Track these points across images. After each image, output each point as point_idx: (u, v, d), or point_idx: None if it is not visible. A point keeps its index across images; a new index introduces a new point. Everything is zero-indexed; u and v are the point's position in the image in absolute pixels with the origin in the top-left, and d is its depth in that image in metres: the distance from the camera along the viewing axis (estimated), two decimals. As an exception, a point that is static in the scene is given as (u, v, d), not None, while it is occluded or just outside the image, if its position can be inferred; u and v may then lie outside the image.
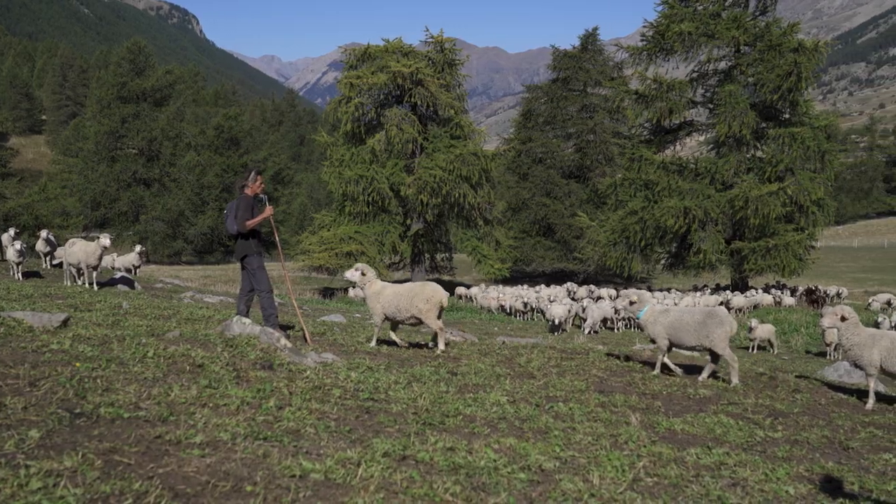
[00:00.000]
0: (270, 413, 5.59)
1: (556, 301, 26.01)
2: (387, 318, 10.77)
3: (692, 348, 10.39)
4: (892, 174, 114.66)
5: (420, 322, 10.65)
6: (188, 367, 6.68)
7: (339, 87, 43.32)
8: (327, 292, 40.89)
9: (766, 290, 35.60)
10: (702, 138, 41.74)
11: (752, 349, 20.32)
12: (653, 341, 10.68)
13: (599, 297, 30.87)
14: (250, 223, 10.10)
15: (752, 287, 37.10)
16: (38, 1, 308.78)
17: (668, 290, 35.74)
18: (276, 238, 11.51)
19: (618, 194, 40.04)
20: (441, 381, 8.17)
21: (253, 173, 10.44)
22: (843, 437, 7.34)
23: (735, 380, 9.89)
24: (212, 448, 4.51)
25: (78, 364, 6.04)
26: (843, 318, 9.43)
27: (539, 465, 5.23)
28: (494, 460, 5.18)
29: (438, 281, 45.24)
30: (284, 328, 11.55)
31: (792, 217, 36.73)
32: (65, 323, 7.76)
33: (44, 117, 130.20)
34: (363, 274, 10.77)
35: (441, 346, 10.68)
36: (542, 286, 37.35)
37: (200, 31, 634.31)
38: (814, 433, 7.39)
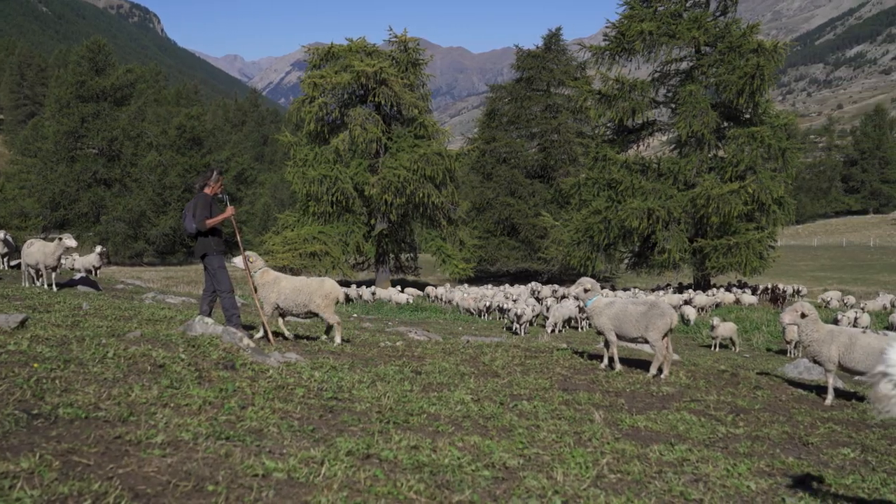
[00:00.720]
0: (233, 413, 5.54)
1: (519, 300, 26.06)
2: (278, 309, 10.79)
3: (634, 339, 10.57)
4: (850, 174, 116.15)
5: (315, 315, 10.80)
6: (149, 368, 6.60)
7: (302, 86, 43.17)
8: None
9: (728, 288, 35.98)
10: (664, 138, 42.05)
11: (715, 347, 20.49)
12: (599, 333, 10.84)
13: (563, 297, 30.94)
14: (210, 222, 9.99)
15: (714, 286, 37.46)
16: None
17: (631, 289, 35.91)
18: (239, 239, 11.40)
19: (581, 194, 40.14)
20: (405, 380, 8.16)
21: (215, 173, 10.37)
22: (803, 432, 7.45)
23: (653, 370, 10.15)
24: (173, 448, 4.46)
25: (36, 365, 5.94)
26: (802, 315, 9.57)
27: (503, 463, 5.24)
28: (458, 458, 5.18)
29: (402, 281, 45.26)
30: (248, 328, 11.47)
31: (753, 216, 37.12)
32: (22, 324, 7.63)
33: (1, 116, 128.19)
34: (252, 261, 10.75)
35: (338, 339, 10.76)
36: (507, 285, 37.42)
37: (162, 30, 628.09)
38: (774, 429, 7.49)
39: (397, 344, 11.35)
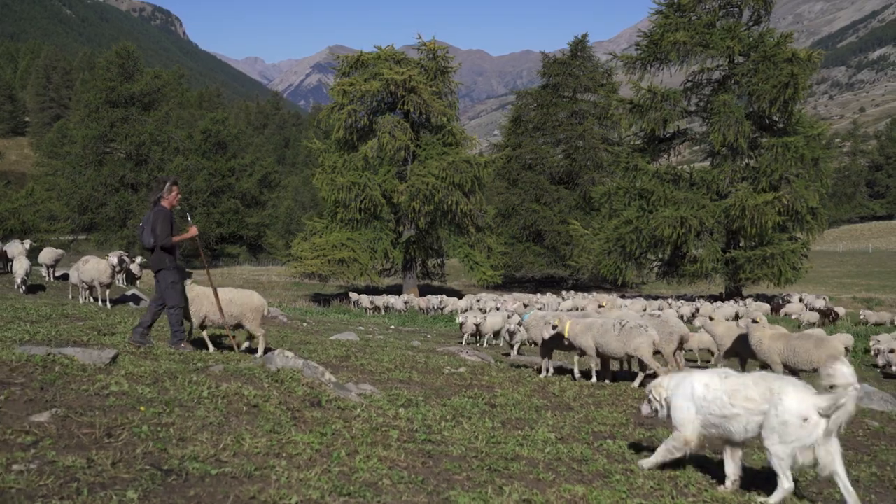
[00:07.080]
0: (343, 463, 5.57)
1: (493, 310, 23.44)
2: (207, 319, 10.65)
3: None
4: (875, 179, 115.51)
5: (241, 327, 10.81)
6: (245, 408, 6.68)
7: (331, 94, 43.55)
8: (318, 298, 40.82)
9: (757, 299, 35.71)
10: (696, 147, 41.96)
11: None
12: None
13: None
14: (175, 239, 9.87)
15: (742, 296, 37.26)
16: (20, 1, 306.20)
17: (669, 298, 35.78)
18: (203, 257, 11.13)
19: (612, 203, 40.16)
20: (484, 416, 8.17)
21: (168, 184, 10.08)
22: (892, 474, 7.26)
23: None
24: (306, 508, 4.49)
25: (143, 408, 6.01)
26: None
27: (615, 517, 5.25)
28: (573, 513, 5.19)
29: (429, 287, 45.36)
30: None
31: (785, 226, 37.02)
32: (114, 359, 7.73)
33: (27, 119, 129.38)
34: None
35: (260, 351, 10.69)
36: (539, 293, 37.23)
37: (184, 33, 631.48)
38: (862, 471, 7.28)
39: (461, 370, 11.36)
